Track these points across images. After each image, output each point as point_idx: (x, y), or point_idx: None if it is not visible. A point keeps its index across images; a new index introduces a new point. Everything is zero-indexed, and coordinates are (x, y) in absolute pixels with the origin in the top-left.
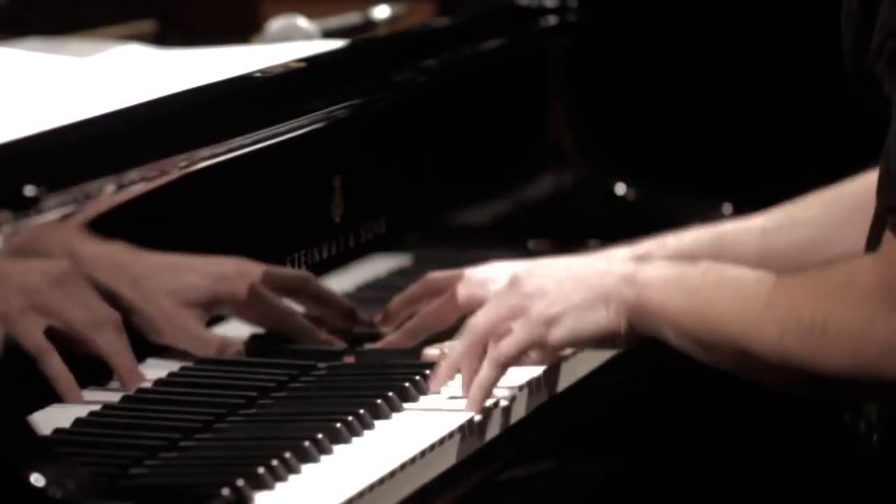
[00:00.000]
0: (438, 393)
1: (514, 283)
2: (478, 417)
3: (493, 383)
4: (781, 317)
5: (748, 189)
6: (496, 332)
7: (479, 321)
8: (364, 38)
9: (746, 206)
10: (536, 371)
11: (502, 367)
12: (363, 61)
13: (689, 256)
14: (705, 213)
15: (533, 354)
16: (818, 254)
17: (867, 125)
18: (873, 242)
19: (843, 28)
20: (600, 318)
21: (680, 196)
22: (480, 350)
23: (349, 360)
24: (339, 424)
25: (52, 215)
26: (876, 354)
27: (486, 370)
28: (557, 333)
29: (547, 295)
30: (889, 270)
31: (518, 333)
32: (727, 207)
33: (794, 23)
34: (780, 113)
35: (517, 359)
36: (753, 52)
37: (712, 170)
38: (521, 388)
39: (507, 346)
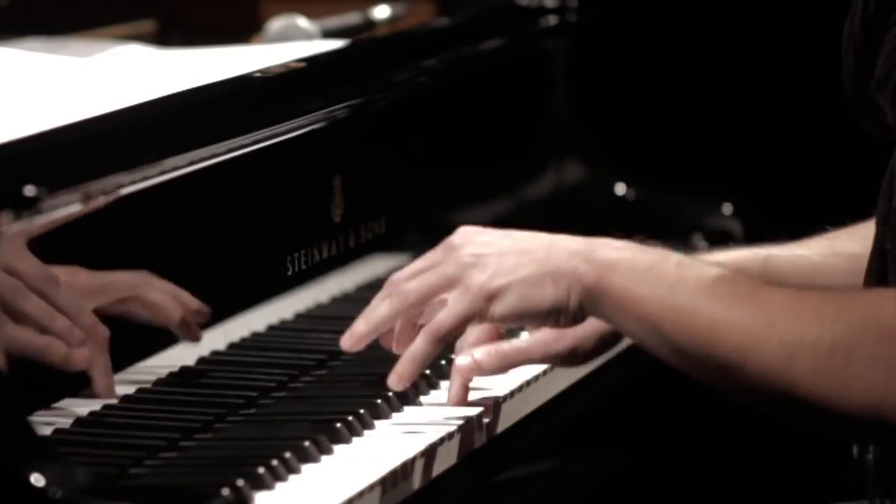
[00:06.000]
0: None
1: (449, 249)
2: (476, 419)
3: (429, 358)
4: (790, 339)
5: (748, 189)
6: (426, 300)
7: (408, 287)
8: (364, 38)
9: (746, 206)
10: (536, 370)
11: (439, 342)
12: (363, 61)
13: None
14: (705, 213)
15: (472, 331)
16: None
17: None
18: (873, 270)
19: (844, 52)
20: (547, 295)
21: (680, 196)
22: (413, 318)
23: None
24: (339, 424)
25: (52, 215)
26: None
27: (421, 343)
28: (499, 308)
29: (488, 267)
30: None
31: (456, 305)
32: (727, 207)
33: (793, 22)
34: (780, 113)
35: (456, 332)
36: (753, 52)
37: (712, 170)
38: (520, 387)
39: (445, 318)
